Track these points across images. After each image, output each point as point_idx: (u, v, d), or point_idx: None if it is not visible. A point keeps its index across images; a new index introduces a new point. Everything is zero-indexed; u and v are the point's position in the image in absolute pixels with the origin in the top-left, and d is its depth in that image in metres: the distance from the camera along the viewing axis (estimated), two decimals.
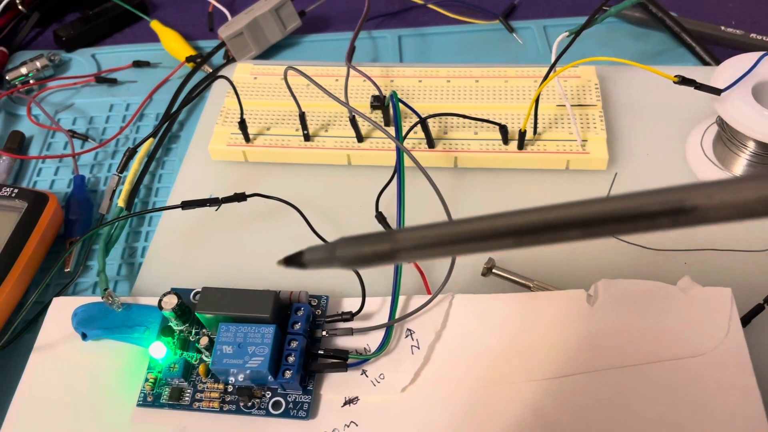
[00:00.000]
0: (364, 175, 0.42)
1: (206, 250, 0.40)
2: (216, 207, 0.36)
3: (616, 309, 0.33)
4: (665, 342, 0.32)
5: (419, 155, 0.38)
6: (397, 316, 0.34)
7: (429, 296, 0.34)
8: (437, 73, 0.46)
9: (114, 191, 0.39)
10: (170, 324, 0.34)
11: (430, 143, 0.41)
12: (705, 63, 0.49)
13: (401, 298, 0.34)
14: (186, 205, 0.36)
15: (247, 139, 0.43)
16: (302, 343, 0.32)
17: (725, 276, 0.36)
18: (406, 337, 0.34)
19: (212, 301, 0.32)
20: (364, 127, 0.42)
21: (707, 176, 0.40)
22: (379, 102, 0.43)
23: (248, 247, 0.40)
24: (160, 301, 0.33)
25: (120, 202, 0.41)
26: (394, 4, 0.57)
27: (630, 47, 0.51)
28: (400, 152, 0.36)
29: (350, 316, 0.34)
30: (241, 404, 0.32)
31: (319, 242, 0.36)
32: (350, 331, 0.34)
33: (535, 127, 0.41)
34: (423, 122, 0.40)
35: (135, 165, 0.43)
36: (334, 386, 0.33)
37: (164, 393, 0.33)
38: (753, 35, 0.50)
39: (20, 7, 0.56)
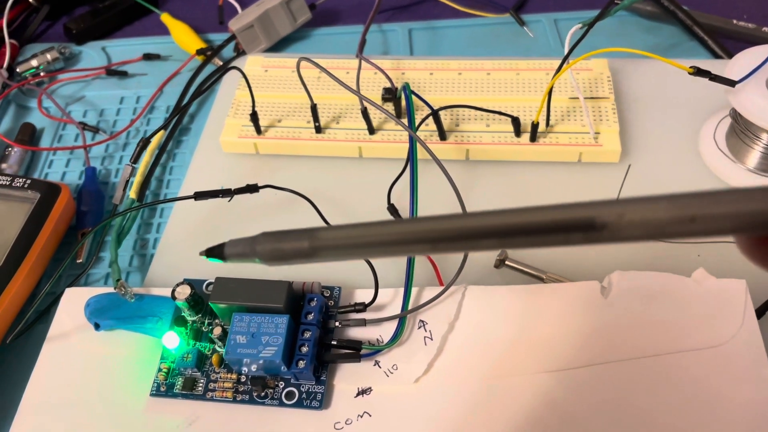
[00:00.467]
0: (376, 167, 0.42)
1: (218, 241, 0.40)
2: (229, 198, 0.36)
3: (630, 301, 0.33)
4: (680, 334, 0.32)
5: (431, 147, 0.38)
6: (409, 307, 0.34)
7: (442, 288, 0.34)
8: (448, 65, 0.46)
9: (127, 181, 0.39)
10: (183, 314, 0.34)
11: (442, 135, 0.41)
12: (717, 56, 0.49)
13: (414, 290, 0.34)
14: (199, 195, 0.36)
15: (258, 131, 0.43)
16: (315, 334, 0.32)
17: (739, 268, 0.36)
18: (419, 328, 0.34)
19: (226, 290, 0.32)
20: (375, 119, 0.42)
21: (720, 169, 0.40)
22: (390, 94, 0.43)
23: None
24: (173, 291, 0.33)
25: (132, 193, 0.41)
26: None
27: (641, 40, 0.51)
28: (413, 142, 0.36)
29: (363, 307, 0.34)
30: (255, 394, 0.32)
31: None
32: (363, 322, 0.34)
33: (548, 120, 0.41)
34: (435, 114, 0.40)
35: (146, 157, 0.43)
36: (347, 377, 0.33)
37: (177, 383, 0.33)
38: (765, 29, 0.50)
39: (30, 0, 0.56)
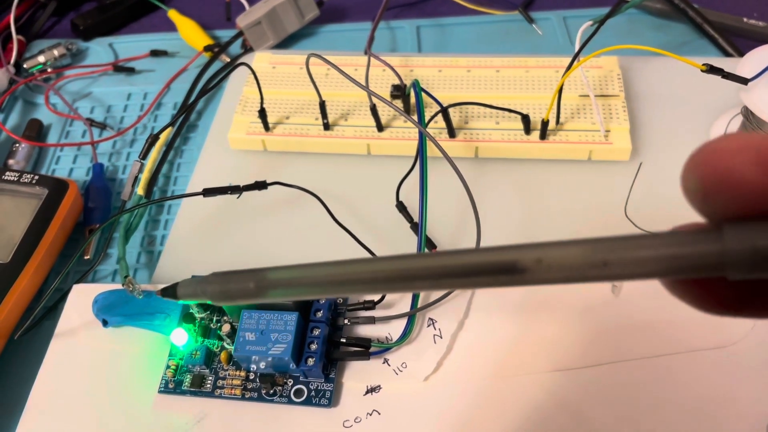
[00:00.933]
0: (384, 164, 0.42)
1: (225, 238, 0.40)
2: (237, 195, 0.36)
3: (640, 300, 0.33)
4: (690, 333, 0.32)
5: (440, 144, 0.37)
6: (419, 305, 0.34)
7: None
8: (457, 62, 0.45)
9: (136, 177, 0.39)
10: (191, 311, 0.34)
11: (451, 133, 0.41)
12: (727, 54, 0.48)
13: None
14: (207, 192, 0.36)
15: (266, 127, 0.43)
16: (324, 331, 0.32)
17: None
18: (428, 326, 0.34)
19: None
20: (384, 116, 0.42)
21: None
22: (399, 91, 0.42)
23: (268, 235, 0.40)
24: None
25: (139, 190, 0.41)
26: None
27: (651, 38, 0.50)
28: (423, 139, 0.36)
29: (372, 305, 0.34)
30: (263, 392, 0.32)
31: (341, 231, 0.36)
32: (372, 320, 0.33)
33: (558, 117, 0.41)
34: (444, 111, 0.40)
35: (154, 153, 0.43)
36: (356, 374, 0.33)
37: (186, 380, 0.33)
38: None
39: None
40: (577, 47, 0.39)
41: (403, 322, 0.33)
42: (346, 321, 0.33)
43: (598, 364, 0.32)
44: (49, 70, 0.52)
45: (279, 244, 0.39)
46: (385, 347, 0.33)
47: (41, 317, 0.37)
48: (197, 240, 0.40)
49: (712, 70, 0.36)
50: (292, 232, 0.40)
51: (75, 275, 0.39)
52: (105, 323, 0.35)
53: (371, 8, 0.54)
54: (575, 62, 0.39)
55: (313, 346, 0.31)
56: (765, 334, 0.31)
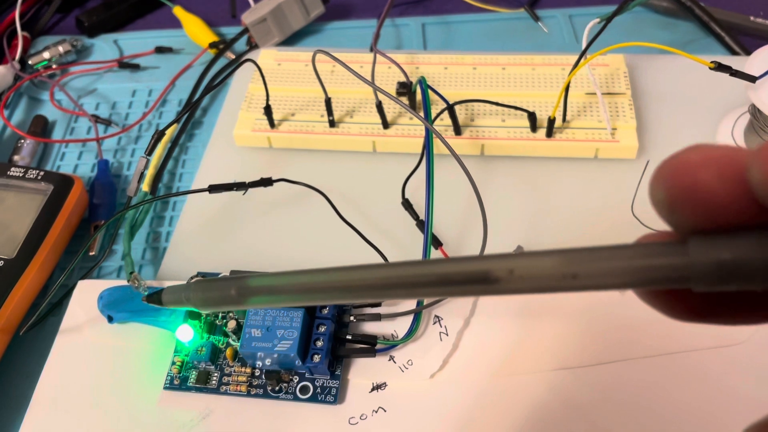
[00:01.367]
0: (390, 162, 0.42)
1: (231, 235, 0.40)
2: (243, 191, 0.36)
3: None
4: (700, 331, 0.32)
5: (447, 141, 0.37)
6: (425, 302, 0.34)
7: None
8: (463, 60, 0.45)
9: (142, 173, 0.39)
10: None
11: (457, 130, 0.41)
12: (734, 53, 0.48)
13: None
14: (213, 188, 0.36)
15: (272, 124, 0.43)
16: (330, 328, 0.32)
17: None
18: (435, 323, 0.33)
19: None
20: (389, 113, 0.42)
21: None
22: (405, 88, 0.42)
23: (273, 232, 0.40)
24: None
25: (144, 186, 0.41)
26: None
27: (657, 37, 0.50)
28: (429, 135, 0.36)
29: (378, 302, 0.34)
30: (269, 388, 0.32)
31: (347, 228, 0.36)
32: (378, 317, 0.33)
33: (564, 115, 0.40)
34: (450, 108, 0.40)
35: (159, 150, 0.43)
36: (362, 372, 0.32)
37: (191, 376, 0.33)
38: None
39: None
40: (584, 45, 0.39)
41: (409, 319, 0.33)
42: (352, 318, 0.33)
43: (603, 362, 0.32)
44: (54, 66, 0.51)
45: (284, 241, 0.39)
46: (391, 344, 0.33)
47: (46, 313, 0.37)
48: (202, 236, 0.40)
49: (720, 67, 0.36)
50: (298, 229, 0.39)
51: (80, 271, 0.39)
52: (110, 319, 0.35)
53: (376, 5, 0.54)
54: (582, 60, 0.39)
55: (319, 343, 0.31)
56: None
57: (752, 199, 0.12)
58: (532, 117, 0.40)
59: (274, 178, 0.37)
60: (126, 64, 0.51)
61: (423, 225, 0.36)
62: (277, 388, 0.32)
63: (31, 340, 0.37)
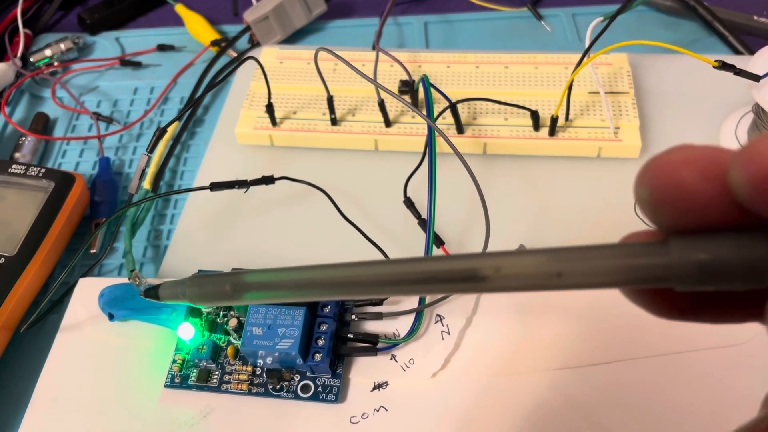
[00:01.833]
0: (392, 160, 0.42)
1: (232, 233, 0.40)
2: (245, 189, 0.36)
3: None
4: (700, 331, 0.32)
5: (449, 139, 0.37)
6: (427, 301, 0.33)
7: None
8: (466, 58, 0.45)
9: (143, 170, 0.39)
10: (198, 306, 0.33)
11: (460, 129, 0.41)
12: (737, 52, 0.48)
13: None
14: (215, 186, 0.36)
15: (273, 122, 0.43)
16: (332, 327, 0.32)
17: None
18: (436, 322, 0.33)
19: None
20: (392, 112, 0.42)
21: None
22: (407, 87, 0.42)
23: (275, 230, 0.39)
24: None
25: (146, 184, 0.41)
26: None
27: (660, 36, 0.50)
28: (432, 133, 0.36)
29: (380, 301, 0.34)
30: (270, 387, 0.32)
31: (348, 226, 0.36)
32: (380, 316, 0.33)
33: (567, 114, 0.40)
34: (453, 107, 0.40)
35: (161, 147, 0.43)
36: (363, 371, 0.32)
37: (192, 374, 0.32)
38: None
39: None
40: (587, 43, 0.39)
41: (411, 318, 0.33)
42: (353, 317, 0.33)
43: (605, 362, 0.32)
44: (55, 63, 0.51)
45: (286, 239, 0.39)
46: (392, 343, 0.33)
47: (47, 311, 0.37)
48: (204, 234, 0.40)
49: (724, 66, 0.36)
50: (299, 227, 0.39)
51: (81, 269, 0.39)
52: (111, 317, 0.35)
53: (378, 4, 0.54)
54: (585, 58, 0.39)
55: (321, 342, 0.31)
56: None
57: (733, 201, 0.12)
58: (534, 116, 0.40)
59: (275, 176, 0.37)
60: (128, 62, 0.51)
61: (425, 224, 0.36)
62: (278, 386, 0.32)
63: (32, 337, 0.37)
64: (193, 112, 0.47)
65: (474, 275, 0.14)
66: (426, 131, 0.37)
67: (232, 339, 0.33)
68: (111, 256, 0.40)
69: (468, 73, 0.44)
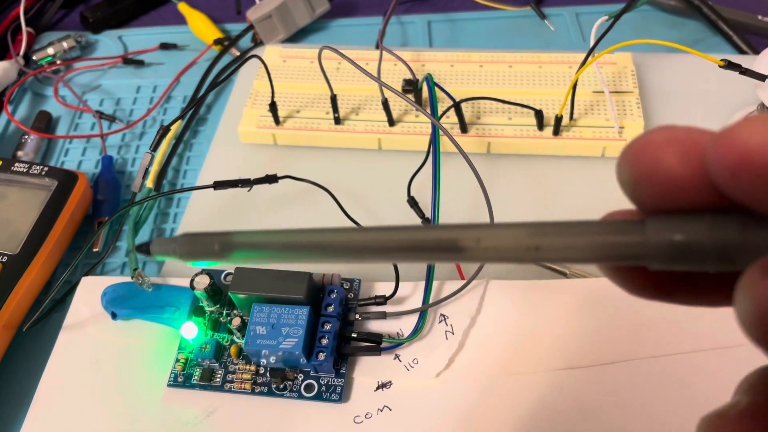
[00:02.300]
0: (395, 159, 0.42)
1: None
2: (248, 188, 0.36)
3: None
4: (704, 332, 0.32)
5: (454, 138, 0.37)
6: (430, 300, 0.33)
7: (463, 282, 0.34)
8: (469, 57, 0.45)
9: (147, 169, 0.39)
10: (202, 305, 0.33)
11: (463, 128, 0.41)
12: (741, 52, 0.48)
13: (435, 283, 0.34)
14: (218, 185, 0.36)
15: (277, 121, 0.43)
16: (336, 326, 0.32)
17: None
18: (440, 322, 0.33)
19: (246, 281, 0.32)
20: (395, 111, 0.42)
21: None
22: (411, 86, 0.42)
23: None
24: (192, 281, 0.33)
25: (149, 182, 0.41)
26: None
27: (664, 35, 0.50)
28: (436, 132, 0.36)
29: (384, 300, 0.33)
30: (273, 386, 0.32)
31: (353, 224, 0.36)
32: (383, 315, 0.33)
33: (572, 113, 0.40)
34: (456, 106, 0.39)
35: (163, 146, 0.43)
36: (367, 370, 0.32)
37: (195, 374, 0.32)
38: None
39: None
40: (592, 42, 0.39)
41: (415, 317, 0.33)
42: (357, 316, 0.33)
43: (610, 362, 0.31)
44: (58, 62, 0.51)
45: None
46: (396, 343, 0.32)
47: (50, 309, 0.37)
48: None
49: (730, 65, 0.36)
50: (303, 226, 0.39)
51: (84, 267, 0.39)
52: (114, 316, 0.35)
53: (382, 3, 0.54)
54: (590, 57, 0.39)
55: (324, 341, 0.31)
56: None
57: (711, 183, 0.12)
58: (539, 115, 0.40)
59: (279, 175, 0.36)
60: (130, 60, 0.51)
61: (429, 223, 0.36)
62: (281, 386, 0.32)
63: (35, 336, 0.36)
64: (196, 111, 0.47)
65: (455, 246, 0.14)
66: (429, 130, 0.37)
67: (235, 338, 0.33)
68: (114, 254, 0.40)
69: (472, 72, 0.44)
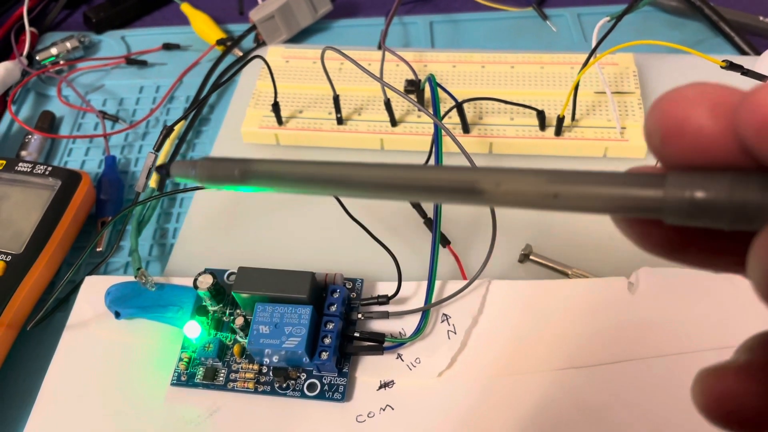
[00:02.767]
0: (398, 159, 0.42)
1: (238, 231, 0.40)
2: None
3: (658, 297, 0.33)
4: (708, 332, 0.32)
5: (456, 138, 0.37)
6: (433, 300, 0.33)
7: (465, 282, 0.34)
8: (471, 58, 0.45)
9: (150, 169, 0.39)
10: (205, 304, 0.33)
11: (465, 128, 0.41)
12: (743, 52, 0.48)
13: (437, 283, 0.34)
14: None
15: (279, 121, 0.43)
16: (338, 325, 0.32)
17: None
18: (443, 321, 0.33)
19: (249, 280, 0.32)
20: (397, 111, 0.42)
21: None
22: (413, 86, 0.42)
23: (281, 228, 0.39)
24: (195, 280, 0.33)
25: (152, 182, 0.41)
26: None
27: (666, 36, 0.50)
28: (438, 132, 0.36)
29: (386, 300, 0.34)
30: (276, 385, 0.32)
31: (355, 225, 0.36)
32: (386, 315, 0.33)
33: (573, 114, 0.40)
34: (459, 106, 0.40)
35: (166, 146, 0.43)
36: (370, 369, 0.32)
37: (198, 373, 0.33)
38: None
39: None
40: (593, 43, 0.39)
41: (417, 317, 0.33)
42: (359, 315, 0.33)
43: (612, 361, 0.32)
44: (61, 62, 0.51)
45: (292, 238, 0.39)
46: (398, 342, 0.33)
47: (53, 309, 0.37)
48: (209, 233, 0.40)
49: (731, 66, 0.36)
50: (306, 226, 0.39)
51: (87, 267, 0.39)
52: (117, 315, 0.35)
53: (384, 4, 0.54)
54: (592, 58, 0.39)
55: (327, 340, 0.31)
56: None
57: (737, 142, 0.12)
58: (540, 115, 0.40)
59: None
60: (133, 61, 0.51)
61: (431, 223, 0.36)
62: (284, 385, 0.32)
63: (38, 335, 0.37)
64: (199, 111, 0.47)
65: (474, 187, 0.14)
66: (431, 130, 0.37)
67: (238, 337, 0.33)
68: (117, 254, 0.40)
69: (474, 73, 0.44)
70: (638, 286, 0.33)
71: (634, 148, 0.40)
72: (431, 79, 0.39)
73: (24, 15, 0.52)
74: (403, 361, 0.32)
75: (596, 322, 0.32)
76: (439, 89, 0.40)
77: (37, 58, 0.52)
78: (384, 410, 0.31)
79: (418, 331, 0.33)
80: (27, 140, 0.45)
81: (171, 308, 0.34)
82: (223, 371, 0.32)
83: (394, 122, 0.42)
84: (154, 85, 0.50)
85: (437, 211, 0.35)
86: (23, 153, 0.44)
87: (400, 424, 0.31)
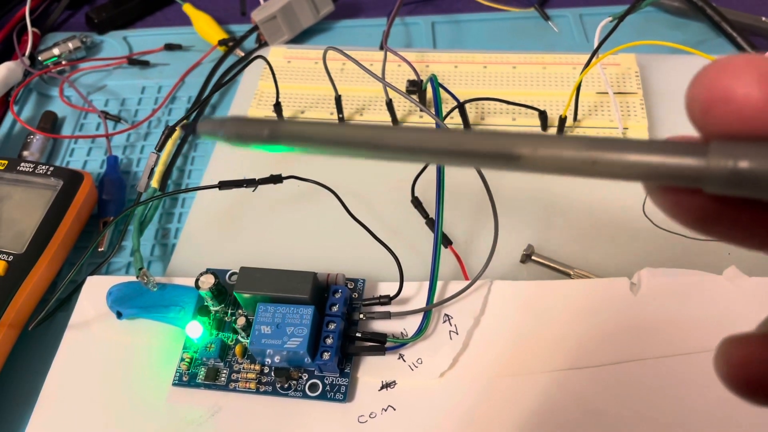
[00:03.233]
0: None
1: (240, 231, 0.40)
2: (253, 188, 0.36)
3: (660, 298, 0.33)
4: (710, 332, 0.32)
5: None
6: (434, 301, 0.33)
7: (467, 282, 0.34)
8: (473, 58, 0.45)
9: (152, 169, 0.39)
10: (207, 304, 0.33)
11: (467, 129, 0.41)
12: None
13: (439, 284, 0.34)
14: (223, 185, 0.36)
15: None
16: (340, 325, 0.32)
17: None
18: (444, 322, 0.33)
19: (251, 280, 0.32)
20: (399, 111, 0.42)
21: None
22: (415, 87, 0.42)
23: (283, 229, 0.39)
24: (197, 280, 0.33)
25: (154, 182, 0.41)
26: None
27: (668, 37, 0.50)
28: None
29: (388, 300, 0.34)
30: (278, 386, 0.32)
31: (356, 225, 0.36)
32: (388, 315, 0.33)
33: (576, 114, 0.40)
34: (461, 107, 0.40)
35: (168, 146, 0.43)
36: (371, 370, 0.32)
37: (200, 373, 0.32)
38: None
39: None
40: (596, 43, 0.39)
41: (419, 317, 0.33)
42: (361, 316, 0.33)
43: (614, 362, 0.31)
44: (63, 62, 0.52)
45: (294, 238, 0.39)
46: (400, 343, 0.32)
47: (55, 309, 0.37)
48: (211, 233, 0.40)
49: None
50: (307, 226, 0.39)
51: (89, 267, 0.39)
52: (119, 315, 0.35)
53: (386, 4, 0.54)
54: (594, 58, 0.39)
55: (329, 341, 0.31)
56: None
57: None
58: (543, 116, 0.40)
59: (283, 175, 0.37)
60: (135, 61, 0.51)
61: (433, 223, 0.36)
62: (286, 385, 0.32)
63: (40, 335, 0.37)
64: (201, 111, 0.47)
65: (510, 152, 0.14)
66: None
67: (240, 338, 0.33)
68: (119, 254, 0.40)
69: (476, 74, 0.44)
70: (640, 287, 0.33)
71: None
72: (433, 79, 0.39)
73: (26, 15, 0.52)
74: (404, 361, 0.32)
75: (598, 323, 0.32)
76: (441, 90, 0.40)
77: (40, 58, 0.52)
78: (386, 411, 0.31)
79: (420, 331, 0.33)
80: (29, 140, 0.45)
81: (173, 308, 0.34)
82: (224, 371, 0.32)
83: (396, 123, 0.42)
84: (156, 86, 0.50)
85: (439, 210, 0.35)
86: (25, 153, 0.44)
87: (402, 425, 0.31)
